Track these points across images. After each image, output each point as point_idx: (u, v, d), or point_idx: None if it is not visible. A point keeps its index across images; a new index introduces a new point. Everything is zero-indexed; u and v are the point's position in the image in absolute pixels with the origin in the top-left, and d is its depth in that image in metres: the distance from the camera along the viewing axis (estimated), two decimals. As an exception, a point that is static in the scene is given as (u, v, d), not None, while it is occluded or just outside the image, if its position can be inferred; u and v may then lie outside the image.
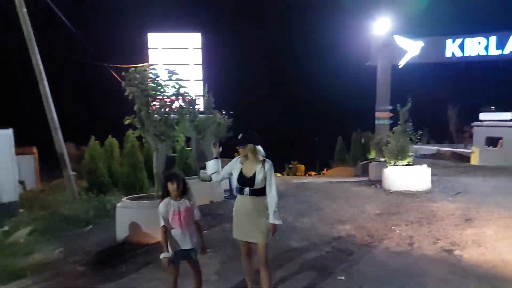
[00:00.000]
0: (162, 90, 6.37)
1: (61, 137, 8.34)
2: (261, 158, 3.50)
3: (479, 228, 6.13)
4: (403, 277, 4.28)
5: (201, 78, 15.48)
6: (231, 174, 3.63)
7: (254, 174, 3.42)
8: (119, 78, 17.17)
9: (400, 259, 4.88)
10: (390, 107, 13.09)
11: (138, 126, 6.26)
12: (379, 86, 13.44)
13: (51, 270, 4.90)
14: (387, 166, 10.76)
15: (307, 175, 23.62)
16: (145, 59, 16.24)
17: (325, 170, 24.10)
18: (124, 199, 6.33)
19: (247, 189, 3.43)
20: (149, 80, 6.28)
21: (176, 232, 3.41)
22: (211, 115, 9.91)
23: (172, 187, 3.39)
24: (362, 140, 19.63)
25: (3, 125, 8.08)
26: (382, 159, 11.90)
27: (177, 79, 6.49)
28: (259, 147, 3.52)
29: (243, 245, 3.62)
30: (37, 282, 4.54)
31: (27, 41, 8.09)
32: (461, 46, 13.46)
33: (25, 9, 8.39)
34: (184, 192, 3.48)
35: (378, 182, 11.40)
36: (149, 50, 15.95)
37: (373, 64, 13.69)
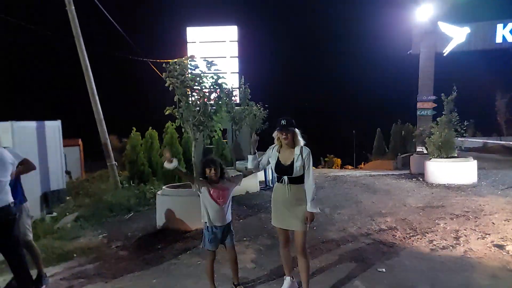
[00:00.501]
0: (201, 81, 6.45)
1: (105, 128, 8.72)
2: (302, 143, 3.43)
3: (535, 224, 5.68)
4: (449, 271, 4.06)
5: (237, 70, 15.57)
6: (269, 163, 3.59)
7: (292, 162, 3.37)
8: (159, 73, 17.72)
9: (445, 253, 4.63)
10: (434, 97, 12.44)
11: (177, 117, 6.39)
12: (422, 75, 12.80)
13: (95, 253, 5.14)
14: (430, 159, 10.27)
15: (343, 168, 23.12)
16: (184, 53, 16.62)
17: (362, 164, 23.46)
18: (164, 187, 6.51)
19: (285, 178, 3.38)
20: (188, 71, 6.39)
21: (214, 210, 3.53)
22: (248, 106, 9.92)
23: (210, 172, 3.51)
24: (403, 133, 18.84)
25: (52, 117, 8.54)
26: (425, 152, 11.37)
27: (215, 70, 6.54)
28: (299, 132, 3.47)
29: (281, 233, 3.57)
30: (82, 264, 4.78)
31: (75, 38, 8.49)
32: (514, 31, 12.48)
33: (73, 7, 8.80)
34: (221, 177, 3.59)
35: (420, 175, 10.92)
36: (187, 44, 16.28)
37: (415, 52, 13.04)
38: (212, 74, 6.57)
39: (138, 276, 4.28)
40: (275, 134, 3.50)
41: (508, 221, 5.84)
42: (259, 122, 10.73)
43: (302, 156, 3.37)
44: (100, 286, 4.06)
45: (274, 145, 3.57)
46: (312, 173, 3.43)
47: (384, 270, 4.13)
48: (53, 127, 8.10)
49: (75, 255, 5.07)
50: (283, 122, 3.40)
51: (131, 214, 7.45)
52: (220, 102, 6.53)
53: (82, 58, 8.59)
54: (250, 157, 3.65)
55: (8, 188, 3.50)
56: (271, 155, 3.54)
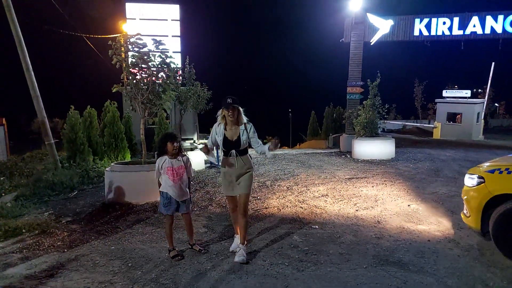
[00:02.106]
0: (148, 59, 6.57)
1: (42, 106, 8.34)
2: (245, 120, 3.88)
3: (438, 187, 6.95)
4: (368, 225, 4.94)
5: (180, 50, 15.47)
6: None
7: (239, 137, 3.82)
8: (95, 49, 16.82)
9: (366, 212, 5.55)
10: (361, 83, 13.76)
11: (125, 94, 6.48)
12: (352, 62, 14.03)
13: (45, 228, 5.18)
14: (356, 138, 11.52)
15: (281, 148, 24.32)
16: (124, 30, 15.97)
17: (298, 144, 24.91)
18: (112, 164, 6.62)
19: (233, 151, 3.84)
20: (136, 49, 6.47)
21: (170, 186, 3.93)
22: (193, 86, 10.14)
23: (172, 146, 3.89)
24: (334, 115, 20.42)
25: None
26: (352, 132, 12.66)
27: (162, 49, 6.70)
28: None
29: (231, 200, 4.05)
30: (33, 238, 4.83)
31: (5, 9, 7.90)
32: (428, 26, 14.18)
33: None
34: (179, 152, 4.01)
35: (348, 153, 12.20)
36: (127, 20, 15.67)
37: (346, 40, 14.18)
38: (160, 53, 6.73)
39: (95, 245, 4.51)
40: (219, 113, 3.87)
41: (418, 188, 7.05)
42: (203, 102, 11.03)
43: (247, 130, 3.86)
44: (57, 256, 4.21)
45: (217, 123, 3.93)
46: (259, 141, 3.96)
47: (317, 227, 4.90)
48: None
49: (24, 230, 5.07)
50: (229, 100, 3.76)
51: (75, 193, 7.41)
52: (168, 81, 6.75)
53: (14, 30, 8.05)
54: (207, 141, 4.08)
55: None
56: (218, 132, 3.90)
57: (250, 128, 3.89)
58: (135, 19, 15.84)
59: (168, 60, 6.81)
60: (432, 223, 4.98)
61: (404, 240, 4.36)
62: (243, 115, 3.87)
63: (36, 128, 11.71)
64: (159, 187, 4.03)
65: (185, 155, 4.16)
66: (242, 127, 3.85)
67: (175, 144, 3.89)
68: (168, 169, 3.91)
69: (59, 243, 4.63)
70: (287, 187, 7.29)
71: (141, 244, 4.47)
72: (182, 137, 11.26)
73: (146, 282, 3.45)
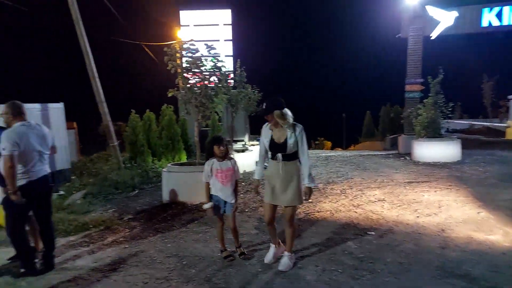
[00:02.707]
0: (200, 64, 6.78)
1: (106, 110, 8.99)
2: (290, 121, 3.49)
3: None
4: (431, 233, 4.58)
5: (231, 53, 15.79)
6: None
7: (286, 140, 3.48)
8: (153, 56, 17.81)
9: (428, 219, 5.16)
10: (421, 80, 12.94)
11: (180, 98, 6.74)
12: (410, 58, 13.25)
13: (109, 224, 5.55)
14: (417, 138, 10.83)
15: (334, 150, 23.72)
16: (178, 36, 16.72)
17: (352, 146, 24.13)
18: (169, 165, 6.92)
19: (279, 155, 3.53)
20: (189, 54, 6.72)
21: (219, 188, 3.91)
22: (243, 89, 10.27)
23: (218, 149, 3.87)
24: (392, 115, 19.43)
25: (52, 101, 8.74)
26: (412, 133, 11.93)
27: (214, 54, 6.87)
28: (287, 111, 3.49)
29: (269, 209, 3.68)
30: (99, 233, 5.20)
31: (75, 23, 8.65)
32: (499, 15, 12.94)
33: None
34: (226, 155, 3.96)
35: (407, 154, 11.51)
36: (181, 27, 16.38)
37: (403, 36, 13.44)
38: (212, 58, 6.91)
39: (152, 241, 4.73)
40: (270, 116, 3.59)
41: (488, 194, 6.42)
42: (254, 105, 11.11)
43: (295, 133, 3.50)
44: (119, 249, 4.50)
45: (265, 124, 3.68)
46: (307, 149, 3.58)
47: (373, 233, 4.66)
48: (57, 109, 8.35)
49: (91, 226, 5.48)
50: (263, 106, 3.58)
51: (136, 192, 7.86)
52: (220, 85, 6.89)
53: (82, 41, 8.78)
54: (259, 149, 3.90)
55: (48, 160, 3.97)
56: (265, 134, 3.65)
57: (300, 132, 3.53)
58: (188, 25, 16.47)
59: (219, 64, 6.98)
60: (507, 234, 4.49)
61: (473, 252, 3.97)
62: (287, 117, 3.47)
63: (102, 131, 12.66)
64: (208, 190, 3.97)
65: (232, 157, 4.15)
66: (290, 129, 3.51)
67: (221, 147, 3.86)
68: (217, 171, 3.89)
69: (121, 238, 4.93)
70: (341, 191, 7.05)
71: (195, 243, 4.59)
72: (234, 139, 11.42)
73: (200, 281, 3.52)
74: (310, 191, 3.58)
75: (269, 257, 3.85)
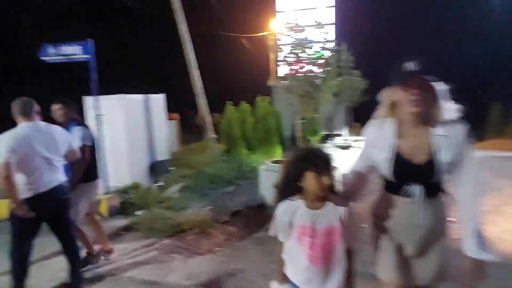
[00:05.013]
0: (305, 49, 5.92)
1: (204, 102, 8.76)
2: (449, 115, 1.72)
3: None
4: None
5: (334, 38, 14.51)
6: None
7: (431, 155, 1.71)
8: (247, 47, 17.56)
9: None
10: None
11: (280, 87, 5.96)
12: None
13: (204, 227, 5.07)
14: None
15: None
16: (273, 24, 16.06)
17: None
18: (266, 161, 6.25)
19: (417, 188, 1.73)
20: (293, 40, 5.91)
21: (303, 268, 1.77)
22: (348, 76, 9.08)
23: (317, 181, 1.69)
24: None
25: (148, 92, 8.77)
26: None
27: (322, 39, 5.94)
28: (443, 90, 1.73)
29: None
30: (193, 238, 4.76)
31: (175, 12, 8.53)
32: None
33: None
34: (330, 194, 1.78)
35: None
36: (277, 13, 15.62)
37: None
38: (318, 43, 5.98)
39: (252, 258, 4.05)
40: (383, 99, 1.83)
41: None
42: (358, 94, 9.81)
43: (454, 140, 1.70)
44: (215, 263, 3.94)
45: (376, 121, 1.86)
46: (476, 175, 1.76)
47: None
48: (158, 100, 8.35)
49: (186, 227, 5.08)
50: (411, 66, 1.64)
51: (232, 188, 7.45)
52: (329, 69, 5.93)
53: (181, 32, 8.62)
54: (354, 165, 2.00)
55: (61, 168, 3.31)
56: (379, 142, 1.80)
57: (464, 137, 1.71)
58: (284, 11, 15.57)
59: (326, 49, 6.01)
60: None
61: None
62: (447, 103, 1.72)
63: (198, 122, 12.79)
64: (282, 264, 1.92)
65: (339, 199, 1.81)
66: (444, 131, 1.71)
67: (324, 177, 1.69)
68: (303, 230, 1.76)
69: (217, 248, 4.40)
70: (493, 207, 5.41)
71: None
72: (328, 133, 10.31)
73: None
74: (478, 268, 1.70)
75: None
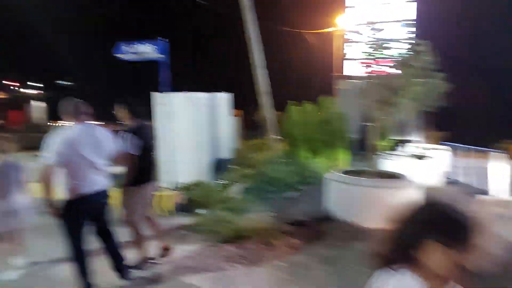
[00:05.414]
0: (384, 48, 5.36)
1: (267, 102, 8.53)
2: None
3: None
4: None
5: (414, 36, 13.31)
6: None
7: None
8: (312, 44, 16.98)
9: None
10: None
11: (348, 89, 5.48)
12: None
13: (266, 236, 4.82)
14: None
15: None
16: (340, 21, 15.29)
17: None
18: (334, 170, 5.82)
19: None
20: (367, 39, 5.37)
21: None
22: (429, 79, 8.17)
23: (441, 260, 1.13)
24: None
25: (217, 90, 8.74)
26: None
27: (406, 37, 5.32)
28: None
29: None
30: (256, 248, 4.53)
31: (243, 10, 8.38)
32: None
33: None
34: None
35: None
36: (346, 9, 14.77)
37: None
38: (402, 41, 5.36)
39: (319, 283, 3.69)
40: None
41: None
42: (437, 98, 8.77)
43: None
44: (278, 280, 3.67)
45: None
46: None
47: None
48: (223, 99, 8.30)
49: (247, 234, 4.88)
50: None
51: (293, 193, 7.13)
52: (410, 72, 5.31)
53: (248, 30, 8.44)
54: None
55: (105, 171, 3.29)
56: None
57: None
58: (354, 7, 14.62)
59: (409, 50, 5.39)
60: None
61: None
62: None
63: (258, 119, 12.59)
64: None
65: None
66: None
67: (456, 255, 1.12)
68: None
69: (280, 263, 4.11)
70: None
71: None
72: (399, 138, 9.47)
73: None
74: None
75: None
